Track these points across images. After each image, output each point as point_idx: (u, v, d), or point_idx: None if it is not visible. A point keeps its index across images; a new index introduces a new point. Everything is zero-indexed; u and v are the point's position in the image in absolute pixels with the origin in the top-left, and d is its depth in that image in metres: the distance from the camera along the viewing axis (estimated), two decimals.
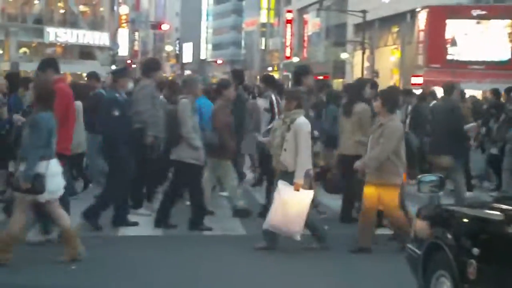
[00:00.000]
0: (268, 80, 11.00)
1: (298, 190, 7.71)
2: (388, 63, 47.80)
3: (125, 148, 8.79)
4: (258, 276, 7.18)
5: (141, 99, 9.51)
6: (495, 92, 14.61)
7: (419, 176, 6.10)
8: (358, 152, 8.95)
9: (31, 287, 6.72)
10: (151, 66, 10.02)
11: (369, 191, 7.99)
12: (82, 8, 68.51)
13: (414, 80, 37.98)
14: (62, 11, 67.21)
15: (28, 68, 60.64)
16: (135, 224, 9.05)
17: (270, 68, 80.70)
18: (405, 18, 45.63)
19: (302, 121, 7.89)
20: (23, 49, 63.91)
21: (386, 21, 49.18)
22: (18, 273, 6.97)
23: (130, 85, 11.01)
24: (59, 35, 64.09)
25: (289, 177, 7.81)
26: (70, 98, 8.02)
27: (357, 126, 9.41)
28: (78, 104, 11.07)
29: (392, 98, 8.21)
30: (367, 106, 9.48)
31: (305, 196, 7.80)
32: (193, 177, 8.81)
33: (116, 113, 8.75)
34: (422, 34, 42.14)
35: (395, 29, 49.36)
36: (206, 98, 10.24)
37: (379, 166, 7.82)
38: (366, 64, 47.21)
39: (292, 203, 7.68)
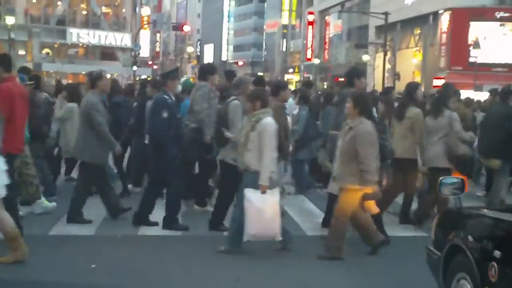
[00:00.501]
0: (259, 82, 10.78)
1: (264, 192, 7.59)
2: (410, 65, 47.56)
3: (174, 149, 8.84)
4: (277, 277, 7.14)
5: (198, 99, 9.58)
6: None
7: (440, 178, 6.02)
8: (410, 156, 9.19)
9: (52, 284, 6.73)
10: (207, 70, 10.11)
11: (349, 197, 7.81)
12: (104, 9, 68.92)
13: (436, 82, 37.76)
14: (84, 12, 67.68)
15: (51, 68, 61.40)
16: (155, 224, 9.04)
17: (291, 70, 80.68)
18: (427, 20, 45.41)
19: (268, 121, 7.70)
20: (46, 50, 64.43)
21: (408, 23, 48.95)
22: (37, 270, 6.99)
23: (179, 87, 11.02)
24: (81, 36, 64.56)
25: (250, 176, 7.68)
26: (16, 97, 7.75)
27: (408, 131, 9.38)
28: (72, 106, 11.15)
29: (363, 101, 7.96)
30: (420, 110, 9.50)
31: (274, 196, 7.67)
32: (235, 179, 8.40)
33: (165, 114, 8.79)
34: (444, 36, 41.92)
35: (417, 31, 49.14)
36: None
37: (350, 170, 7.68)
38: (388, 66, 47.01)
39: (266, 208, 7.56)
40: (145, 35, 78.37)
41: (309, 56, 72.05)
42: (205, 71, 10.04)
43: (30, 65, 58.62)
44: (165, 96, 8.95)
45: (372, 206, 8.11)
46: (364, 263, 7.74)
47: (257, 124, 7.66)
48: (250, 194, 7.58)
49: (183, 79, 12.46)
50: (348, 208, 7.74)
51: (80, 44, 66.88)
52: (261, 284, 6.94)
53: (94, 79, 9.29)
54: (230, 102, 9.02)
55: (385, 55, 46.62)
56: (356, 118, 7.77)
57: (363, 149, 7.56)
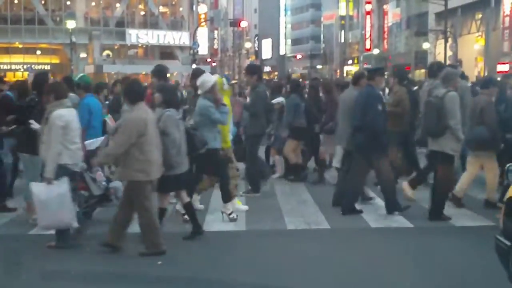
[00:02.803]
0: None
1: (50, 183, 7.52)
2: (472, 51, 46.57)
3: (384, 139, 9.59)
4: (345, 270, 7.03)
5: None
6: None
7: (508, 165, 5.86)
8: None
9: (121, 276, 6.79)
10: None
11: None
12: (162, 9, 69.57)
13: (500, 67, 36.87)
14: (142, 13, 68.47)
15: (112, 70, 62.37)
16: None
17: (350, 61, 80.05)
18: (489, 3, 44.29)
19: (57, 114, 7.60)
20: (106, 52, 65.43)
21: (469, 8, 47.88)
22: (106, 263, 7.06)
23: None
24: (140, 36, 65.32)
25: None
26: None
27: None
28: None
29: (133, 90, 7.86)
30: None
31: (61, 187, 7.56)
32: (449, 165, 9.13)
33: (380, 107, 9.52)
34: (507, 19, 40.89)
35: (478, 16, 48.04)
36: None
37: (124, 162, 7.51)
38: (449, 53, 46.12)
39: (52, 199, 7.51)
40: (203, 33, 78.72)
41: (368, 46, 71.38)
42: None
43: (91, 68, 59.87)
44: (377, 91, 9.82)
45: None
46: (431, 253, 7.57)
47: (49, 117, 7.64)
48: (35, 188, 7.69)
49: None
50: (144, 202, 7.58)
51: (140, 45, 67.69)
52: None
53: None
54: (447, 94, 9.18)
55: (446, 42, 45.74)
56: (129, 106, 7.79)
57: (125, 138, 7.47)
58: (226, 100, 9.45)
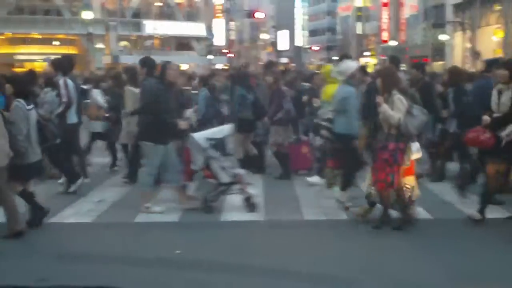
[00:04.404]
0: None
1: None
2: (490, 43, 46.18)
3: None
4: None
5: None
6: None
7: None
8: None
9: (139, 260, 6.81)
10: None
11: None
12: (178, 0, 69.57)
13: None
14: (159, 4, 68.50)
15: (129, 60, 62.43)
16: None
17: (367, 53, 79.67)
18: None
19: None
20: (123, 43, 65.58)
21: (488, 0, 47.53)
22: (125, 248, 7.07)
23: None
24: (156, 27, 65.40)
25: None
26: None
27: None
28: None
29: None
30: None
31: None
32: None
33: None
34: None
35: (497, 7, 47.61)
36: None
37: None
38: (467, 45, 45.80)
39: None
40: (219, 24, 78.65)
41: (385, 38, 70.98)
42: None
43: (108, 58, 60.03)
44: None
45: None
46: (461, 247, 7.50)
47: None
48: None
49: None
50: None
51: (156, 36, 67.77)
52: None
53: None
54: None
55: (464, 33, 45.40)
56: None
57: None
58: (334, 88, 9.61)
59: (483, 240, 7.71)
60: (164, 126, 8.92)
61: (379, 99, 8.10)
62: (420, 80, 12.00)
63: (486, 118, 8.46)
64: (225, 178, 9.05)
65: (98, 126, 12.81)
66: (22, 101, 8.01)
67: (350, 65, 9.44)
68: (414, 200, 8.41)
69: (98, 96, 12.92)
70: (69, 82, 10.71)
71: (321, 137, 10.32)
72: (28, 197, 8.27)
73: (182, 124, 9.19)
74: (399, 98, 8.06)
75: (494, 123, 8.29)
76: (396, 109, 7.99)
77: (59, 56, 12.63)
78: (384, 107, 8.00)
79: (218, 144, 9.02)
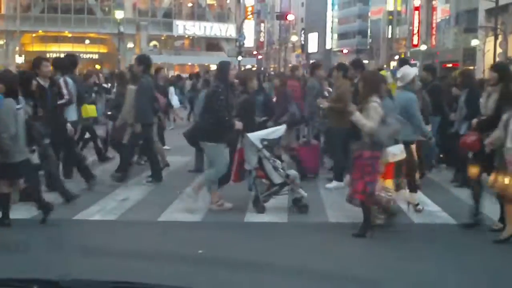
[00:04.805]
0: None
1: None
2: None
3: None
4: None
5: None
6: None
7: None
8: None
9: (162, 257, 6.86)
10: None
11: None
12: (209, 1, 69.91)
13: None
14: (190, 4, 68.87)
15: (158, 60, 62.78)
16: None
17: (396, 57, 79.27)
18: None
19: None
20: (153, 42, 65.99)
21: None
22: (149, 246, 7.13)
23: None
24: (187, 28, 65.77)
25: None
26: None
27: None
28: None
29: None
30: None
31: None
32: None
33: None
34: None
35: None
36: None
37: None
38: (499, 50, 45.36)
39: None
40: (249, 25, 78.85)
41: (415, 42, 70.60)
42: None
43: None
44: None
45: None
46: (483, 252, 7.47)
47: None
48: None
49: None
50: None
51: (186, 36, 68.10)
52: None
53: None
54: None
55: (496, 39, 44.99)
56: None
57: None
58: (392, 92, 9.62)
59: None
60: (225, 126, 9.05)
61: (352, 107, 8.07)
62: (430, 83, 12.10)
63: (474, 121, 8.44)
64: (277, 178, 9.11)
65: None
66: (10, 99, 7.94)
67: (410, 71, 9.45)
68: (390, 206, 8.33)
69: None
70: (69, 80, 10.82)
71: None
72: (2, 199, 8.22)
73: (238, 125, 9.23)
74: (374, 107, 7.91)
75: (481, 126, 8.22)
76: (369, 117, 7.87)
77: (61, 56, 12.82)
78: (357, 116, 7.91)
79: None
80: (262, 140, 9.09)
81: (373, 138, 7.85)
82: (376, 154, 7.91)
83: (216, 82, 9.48)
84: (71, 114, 10.92)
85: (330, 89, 12.42)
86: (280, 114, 11.88)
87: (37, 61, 10.32)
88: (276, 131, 9.40)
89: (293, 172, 9.32)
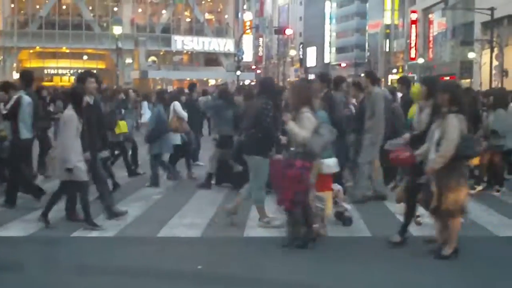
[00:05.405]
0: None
1: None
2: None
3: None
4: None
5: None
6: None
7: None
8: None
9: (160, 274, 6.88)
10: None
11: None
12: (207, 16, 70.11)
13: None
14: (188, 19, 69.05)
15: (157, 75, 62.93)
16: None
17: (394, 70, 79.49)
18: None
19: None
20: (152, 58, 66.13)
21: None
22: (147, 262, 7.14)
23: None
24: (185, 43, 65.89)
25: None
26: None
27: None
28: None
29: None
30: None
31: None
32: None
33: None
34: None
35: None
36: None
37: None
38: (495, 63, 45.51)
39: None
40: (247, 40, 79.07)
41: (413, 55, 70.83)
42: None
43: (137, 73, 60.48)
44: None
45: None
46: (482, 266, 7.50)
47: None
48: None
49: None
50: None
51: (185, 51, 68.24)
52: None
53: None
54: None
55: (492, 51, 45.14)
56: None
57: None
58: None
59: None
60: (272, 140, 9.14)
61: (286, 116, 8.09)
62: (404, 96, 12.19)
63: (406, 136, 8.38)
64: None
65: (177, 139, 13.24)
66: None
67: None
68: (323, 218, 8.37)
69: (178, 107, 13.36)
70: (26, 98, 10.39)
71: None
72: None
73: (283, 139, 9.19)
74: (307, 117, 7.95)
75: (413, 141, 8.08)
76: (302, 127, 7.91)
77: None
78: (291, 125, 7.96)
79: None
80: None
81: (305, 148, 7.89)
82: (307, 164, 7.90)
83: (263, 99, 9.30)
84: (25, 132, 10.35)
85: (355, 102, 12.42)
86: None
87: (82, 76, 9.95)
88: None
89: (336, 186, 9.23)
